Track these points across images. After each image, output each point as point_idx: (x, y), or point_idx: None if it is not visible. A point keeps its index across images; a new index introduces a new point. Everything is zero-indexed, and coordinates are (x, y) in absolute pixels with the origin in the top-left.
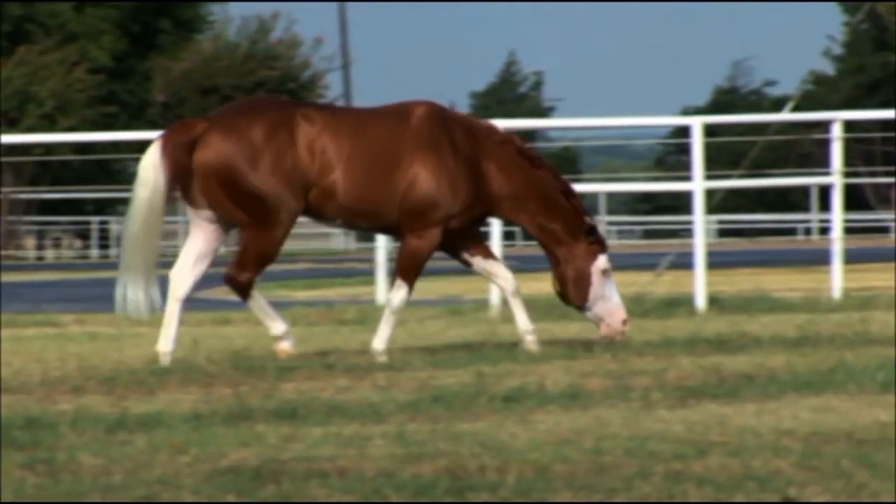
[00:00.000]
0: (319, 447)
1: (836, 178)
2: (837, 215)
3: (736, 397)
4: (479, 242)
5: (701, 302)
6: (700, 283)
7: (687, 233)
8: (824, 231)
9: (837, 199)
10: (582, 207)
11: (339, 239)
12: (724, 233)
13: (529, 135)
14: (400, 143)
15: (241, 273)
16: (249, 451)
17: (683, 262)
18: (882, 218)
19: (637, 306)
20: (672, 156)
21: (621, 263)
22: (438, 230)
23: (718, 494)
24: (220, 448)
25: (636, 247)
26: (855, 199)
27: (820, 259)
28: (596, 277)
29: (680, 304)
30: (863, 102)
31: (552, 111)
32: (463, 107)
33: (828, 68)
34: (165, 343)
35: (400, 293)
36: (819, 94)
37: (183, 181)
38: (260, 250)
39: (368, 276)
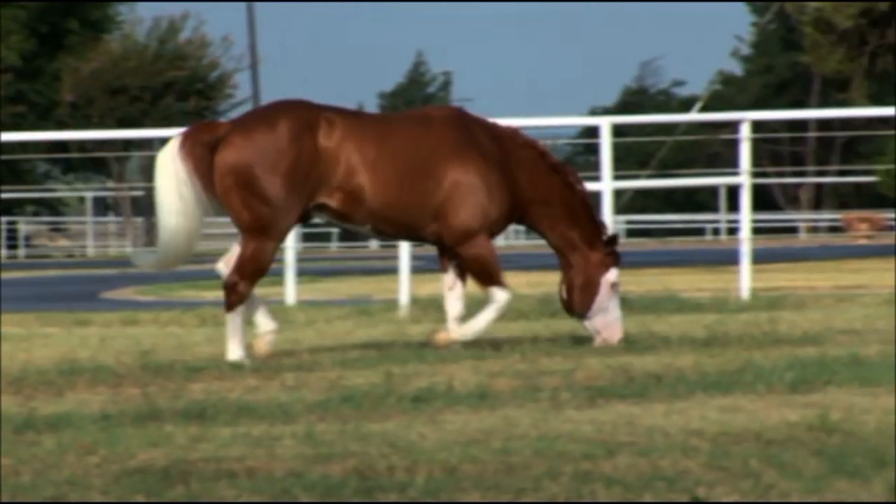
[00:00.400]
0: (228, 447)
1: (744, 179)
2: (746, 215)
3: (644, 397)
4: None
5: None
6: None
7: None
8: (732, 231)
9: (746, 199)
10: (599, 218)
11: None
12: (632, 233)
13: None
14: (429, 149)
15: (239, 286)
16: (158, 452)
17: None
18: (790, 218)
19: (546, 307)
20: (580, 156)
21: (531, 264)
22: (485, 236)
23: (627, 494)
24: (128, 448)
25: (545, 247)
26: (763, 199)
27: (728, 259)
28: (604, 289)
29: None
30: (771, 103)
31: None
32: (371, 107)
33: (736, 69)
34: (266, 324)
35: (501, 295)
36: (727, 94)
37: (204, 180)
38: (258, 262)
39: (277, 276)
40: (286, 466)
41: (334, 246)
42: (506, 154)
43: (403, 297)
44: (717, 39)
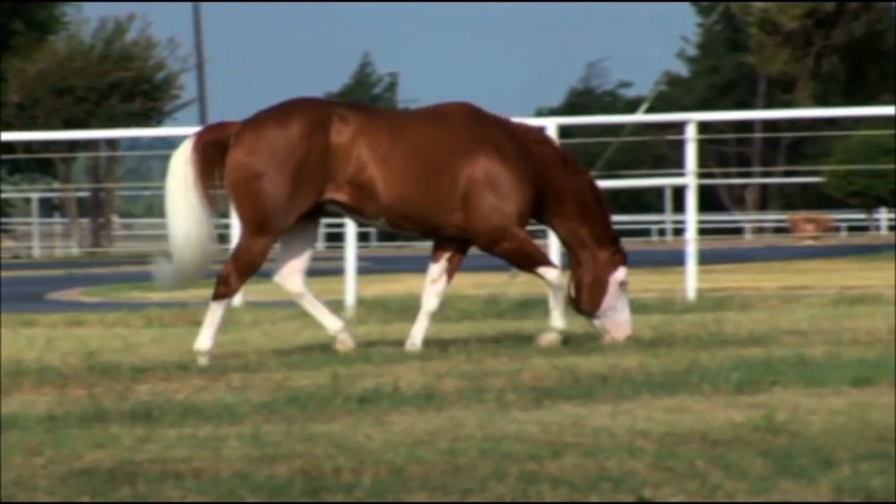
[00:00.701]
0: (174, 448)
1: (690, 179)
2: (691, 216)
3: (591, 398)
4: (456, 254)
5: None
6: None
7: (542, 233)
8: (678, 232)
9: (691, 199)
10: (608, 216)
11: None
12: None
13: None
14: (446, 144)
15: (230, 279)
16: (104, 453)
17: None
18: (736, 219)
19: (492, 307)
20: None
21: (477, 264)
22: (516, 228)
23: (573, 495)
24: (74, 450)
25: None
26: (709, 200)
27: (674, 260)
28: (612, 287)
29: (535, 304)
30: (717, 103)
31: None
32: None
33: (682, 69)
34: (333, 324)
35: (550, 274)
36: (673, 95)
37: (211, 181)
38: (251, 256)
39: None
40: (232, 467)
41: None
42: (520, 149)
43: (349, 297)
44: (663, 40)
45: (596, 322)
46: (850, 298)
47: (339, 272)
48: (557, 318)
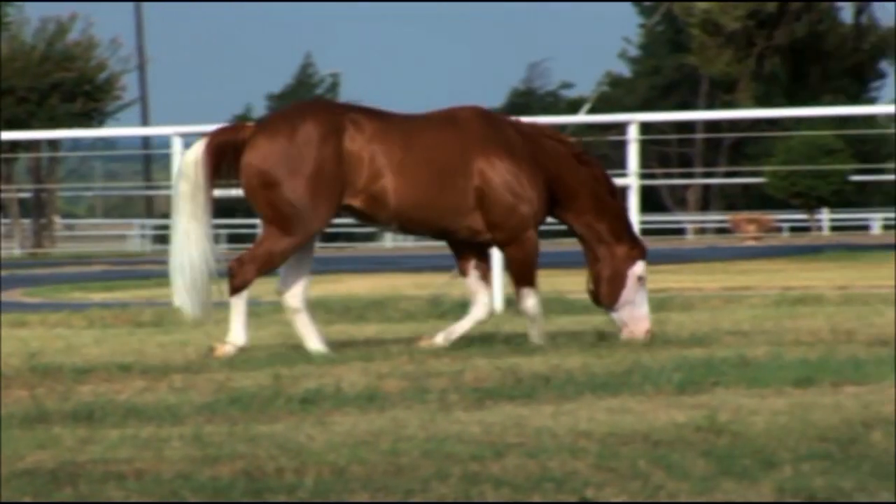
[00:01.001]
0: (116, 449)
1: (632, 180)
2: (633, 216)
3: (533, 398)
4: (485, 259)
5: (498, 303)
6: (497, 284)
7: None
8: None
9: (633, 200)
10: (625, 210)
11: (135, 241)
12: None
13: None
14: (458, 147)
15: (245, 270)
16: (46, 454)
17: None
18: (678, 219)
19: (434, 308)
20: None
21: (420, 265)
22: (531, 232)
23: (515, 495)
24: (16, 451)
25: (435, 248)
26: (650, 200)
27: None
28: (630, 281)
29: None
30: (659, 104)
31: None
32: (260, 109)
33: (624, 70)
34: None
35: (530, 300)
36: (615, 95)
37: (226, 181)
38: (271, 252)
39: (165, 277)
40: (174, 468)
41: (222, 247)
42: (533, 149)
43: None
44: (605, 41)
45: (614, 316)
46: (792, 299)
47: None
48: (535, 338)
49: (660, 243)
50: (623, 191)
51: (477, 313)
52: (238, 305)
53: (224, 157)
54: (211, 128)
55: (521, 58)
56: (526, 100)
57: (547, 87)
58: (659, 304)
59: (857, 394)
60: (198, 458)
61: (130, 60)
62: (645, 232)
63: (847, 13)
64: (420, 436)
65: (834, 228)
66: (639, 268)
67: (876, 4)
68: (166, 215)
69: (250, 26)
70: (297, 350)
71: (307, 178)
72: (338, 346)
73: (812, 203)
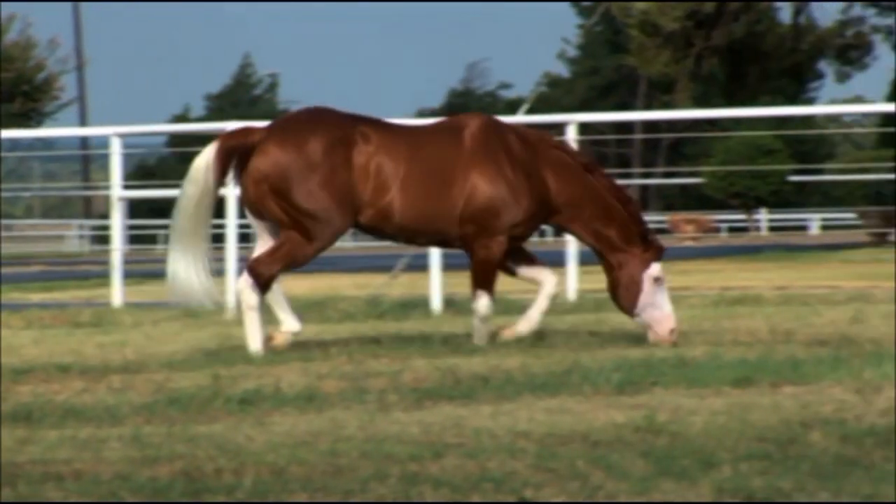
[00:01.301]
0: (55, 450)
1: None
2: None
3: (472, 399)
4: (521, 251)
5: (437, 303)
6: (436, 285)
7: None
8: (559, 233)
9: None
10: (638, 214)
11: (74, 241)
12: None
13: None
14: (456, 158)
15: (267, 266)
16: None
17: (419, 264)
18: None
19: (373, 308)
20: None
21: (357, 265)
22: (503, 238)
23: (454, 495)
24: None
25: (374, 248)
26: None
27: (555, 260)
28: (647, 284)
29: (415, 305)
30: (597, 104)
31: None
32: (199, 109)
33: (562, 70)
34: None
35: (482, 300)
36: (554, 96)
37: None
38: (294, 254)
39: (104, 278)
40: (113, 469)
41: (160, 248)
42: (535, 157)
43: (230, 299)
44: (544, 41)
45: (637, 320)
46: (731, 299)
47: (220, 273)
48: (479, 339)
49: None
50: None
51: (547, 289)
52: (277, 295)
53: (233, 162)
54: (150, 128)
55: (459, 58)
56: (464, 100)
57: (485, 87)
58: (598, 305)
59: (795, 394)
60: (137, 459)
61: (69, 61)
62: None
63: (785, 13)
64: (359, 436)
65: (772, 229)
66: (654, 269)
67: (814, 4)
68: (105, 216)
69: (189, 26)
70: (236, 351)
71: (320, 184)
72: (276, 347)
73: (750, 203)
